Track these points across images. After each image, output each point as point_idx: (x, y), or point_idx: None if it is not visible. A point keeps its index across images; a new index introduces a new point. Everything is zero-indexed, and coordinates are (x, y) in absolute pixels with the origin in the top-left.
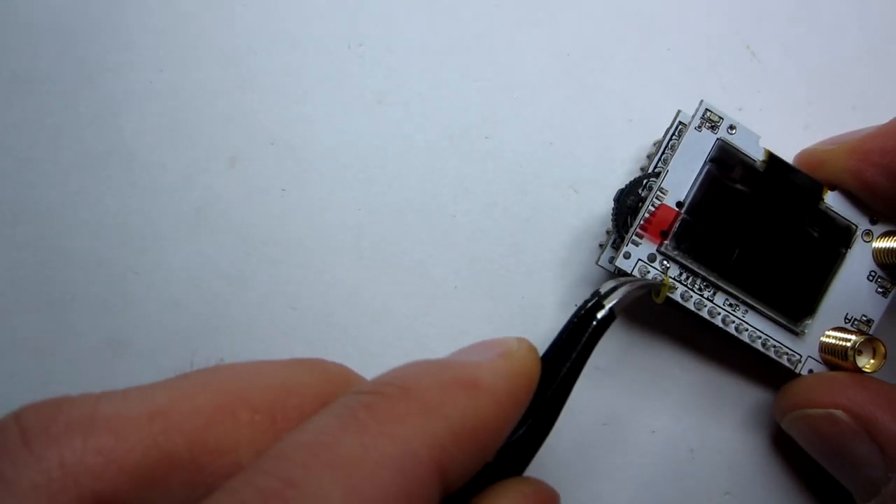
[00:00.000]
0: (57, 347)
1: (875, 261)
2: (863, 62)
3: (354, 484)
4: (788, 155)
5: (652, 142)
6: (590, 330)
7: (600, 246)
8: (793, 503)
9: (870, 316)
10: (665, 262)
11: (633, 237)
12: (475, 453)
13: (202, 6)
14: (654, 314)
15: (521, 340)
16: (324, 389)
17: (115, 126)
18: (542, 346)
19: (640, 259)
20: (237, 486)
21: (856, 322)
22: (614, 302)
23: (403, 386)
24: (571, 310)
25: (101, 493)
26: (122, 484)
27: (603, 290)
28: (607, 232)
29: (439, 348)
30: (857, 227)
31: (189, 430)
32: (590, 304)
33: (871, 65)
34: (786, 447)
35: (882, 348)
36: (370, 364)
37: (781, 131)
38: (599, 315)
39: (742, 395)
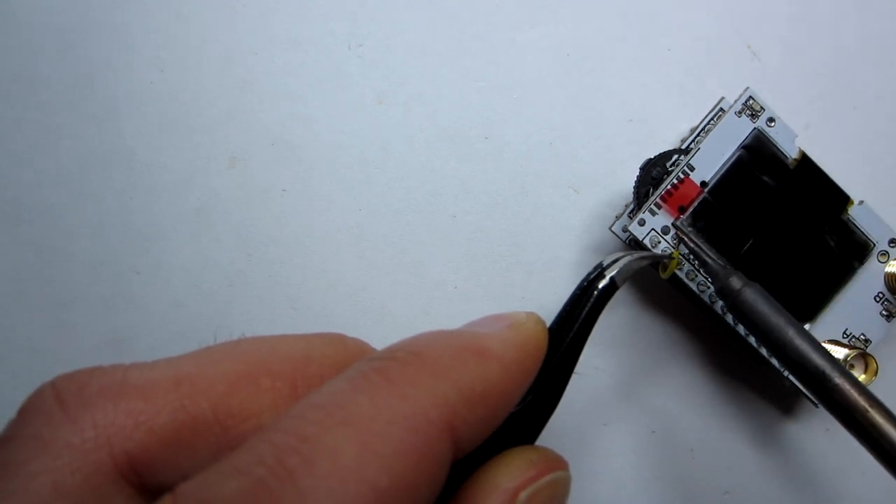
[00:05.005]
0: (58, 347)
1: (885, 284)
2: (863, 62)
3: (367, 440)
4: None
5: (689, 127)
6: (592, 300)
7: (616, 216)
8: (792, 503)
9: (869, 336)
10: (677, 237)
11: (652, 206)
12: (484, 417)
13: (203, 6)
14: (654, 312)
15: (529, 314)
16: (342, 360)
17: (115, 126)
18: None
19: (653, 229)
20: (254, 444)
21: (854, 339)
22: (615, 272)
23: (415, 352)
24: None
25: (131, 453)
26: (152, 444)
27: (606, 262)
28: (626, 205)
29: None
30: (874, 244)
31: (213, 395)
32: (592, 276)
33: (871, 65)
34: (785, 447)
35: (874, 364)
36: None
37: None
38: (600, 285)
39: (742, 397)
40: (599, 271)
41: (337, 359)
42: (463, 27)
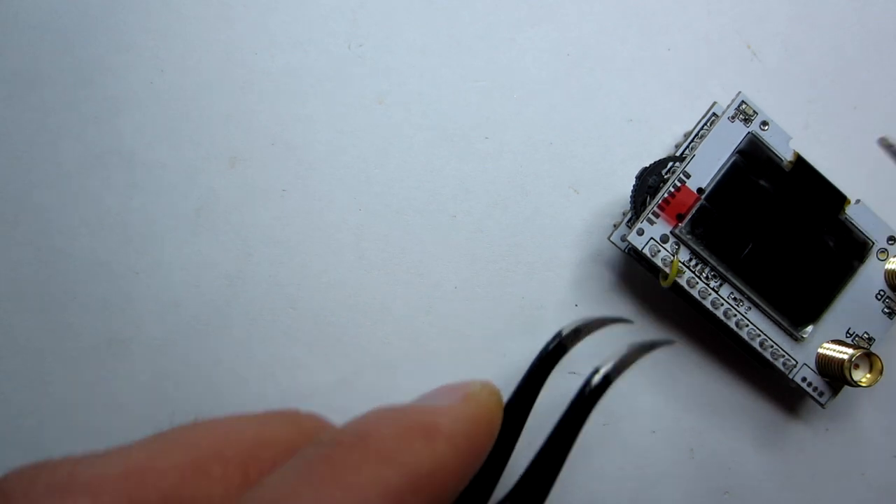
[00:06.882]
0: (57, 347)
1: (886, 281)
2: (863, 62)
3: None
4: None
5: (682, 132)
6: (543, 366)
7: (614, 226)
8: (792, 503)
9: (872, 335)
10: (676, 245)
11: (650, 216)
12: (433, 500)
13: (202, 7)
14: (654, 313)
15: (484, 384)
16: (296, 440)
17: (115, 126)
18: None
19: (652, 238)
20: None
21: (857, 338)
22: (610, 366)
23: (361, 434)
24: (571, 310)
25: None
26: None
27: (564, 332)
28: (623, 213)
29: (439, 348)
30: (874, 243)
31: (163, 486)
32: (551, 347)
33: (871, 65)
34: (785, 447)
35: (879, 364)
36: (370, 364)
37: None
38: (595, 383)
39: (742, 397)
40: (559, 342)
41: (290, 438)
42: (463, 27)
